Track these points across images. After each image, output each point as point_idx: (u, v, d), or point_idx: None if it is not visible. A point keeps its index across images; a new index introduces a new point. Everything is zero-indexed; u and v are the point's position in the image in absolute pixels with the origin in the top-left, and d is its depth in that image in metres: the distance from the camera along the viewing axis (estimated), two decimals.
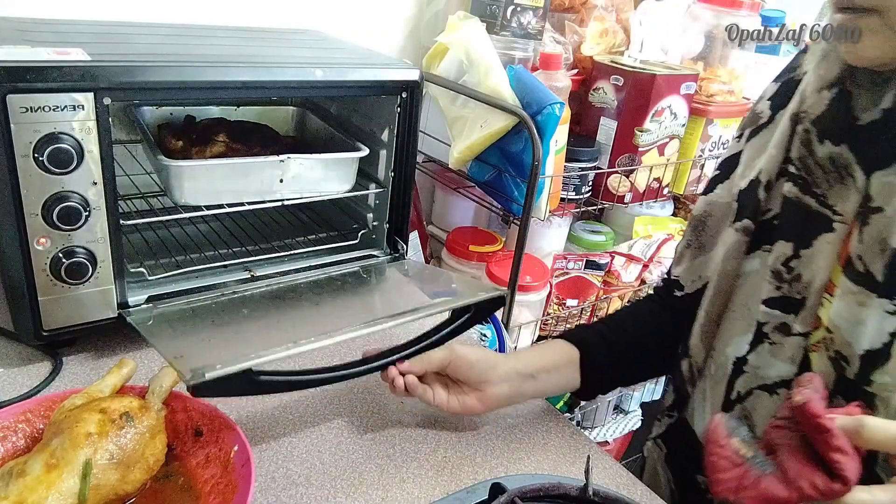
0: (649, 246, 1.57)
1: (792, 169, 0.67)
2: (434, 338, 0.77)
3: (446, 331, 0.78)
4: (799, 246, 0.66)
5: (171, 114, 0.98)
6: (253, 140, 0.93)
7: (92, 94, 0.69)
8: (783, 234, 0.67)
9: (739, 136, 0.77)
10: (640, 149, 1.38)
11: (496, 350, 1.26)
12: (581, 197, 1.41)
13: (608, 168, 1.40)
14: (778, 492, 0.49)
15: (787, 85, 0.73)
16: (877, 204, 0.61)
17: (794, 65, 0.74)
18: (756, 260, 0.70)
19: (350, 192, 0.93)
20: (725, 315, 0.73)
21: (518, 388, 0.77)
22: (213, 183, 0.84)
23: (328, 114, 1.11)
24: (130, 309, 0.80)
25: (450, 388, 0.76)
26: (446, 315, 0.79)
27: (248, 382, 0.63)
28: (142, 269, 0.83)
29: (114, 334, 0.83)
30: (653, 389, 1.83)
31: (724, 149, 1.48)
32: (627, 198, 1.42)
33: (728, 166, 0.76)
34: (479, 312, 0.80)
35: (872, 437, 0.48)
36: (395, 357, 0.74)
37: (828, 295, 0.65)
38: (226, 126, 0.92)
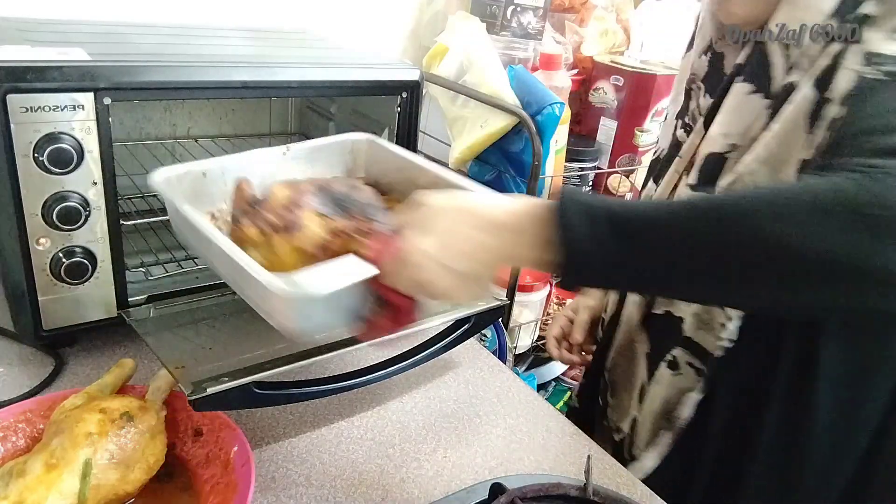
0: None
1: (686, 119, 0.83)
2: (433, 348, 0.79)
3: (446, 340, 0.80)
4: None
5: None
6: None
7: (92, 94, 0.69)
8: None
9: None
10: (640, 149, 1.38)
11: (496, 351, 1.26)
12: None
13: (608, 168, 1.40)
14: None
15: None
16: None
17: None
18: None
19: None
20: None
21: None
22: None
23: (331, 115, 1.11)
24: (130, 309, 0.80)
25: None
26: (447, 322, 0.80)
27: (249, 396, 0.65)
28: (142, 270, 0.83)
29: (114, 334, 0.83)
30: None
31: None
32: (628, 198, 1.42)
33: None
34: (480, 322, 0.81)
35: None
36: (391, 370, 0.76)
37: None
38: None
